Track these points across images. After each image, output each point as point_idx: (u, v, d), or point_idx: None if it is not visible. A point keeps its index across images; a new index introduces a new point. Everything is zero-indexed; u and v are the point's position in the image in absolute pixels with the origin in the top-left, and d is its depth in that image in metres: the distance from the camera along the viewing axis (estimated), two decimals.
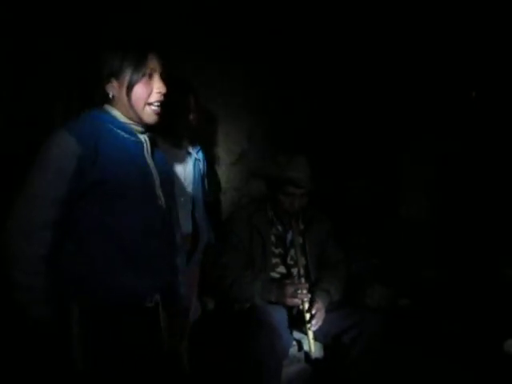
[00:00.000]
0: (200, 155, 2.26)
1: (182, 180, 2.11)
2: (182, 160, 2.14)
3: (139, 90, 1.32)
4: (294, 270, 2.29)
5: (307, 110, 3.22)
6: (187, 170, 2.17)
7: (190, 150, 2.19)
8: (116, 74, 1.31)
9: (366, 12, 3.15)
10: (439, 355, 2.47)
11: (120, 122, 1.35)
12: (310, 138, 3.15)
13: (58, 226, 1.25)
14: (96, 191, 1.28)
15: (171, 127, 2.04)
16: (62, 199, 1.24)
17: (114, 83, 1.32)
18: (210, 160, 2.44)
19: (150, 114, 1.35)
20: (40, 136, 1.31)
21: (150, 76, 1.33)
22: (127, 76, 1.30)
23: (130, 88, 1.31)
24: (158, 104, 1.36)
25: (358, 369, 2.06)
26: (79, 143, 1.24)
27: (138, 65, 1.31)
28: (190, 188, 2.16)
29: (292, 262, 2.32)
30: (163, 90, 1.35)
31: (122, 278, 1.31)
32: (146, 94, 1.33)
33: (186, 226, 2.01)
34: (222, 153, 2.88)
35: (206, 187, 2.32)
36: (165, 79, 1.37)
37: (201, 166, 2.27)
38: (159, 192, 1.39)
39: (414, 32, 3.20)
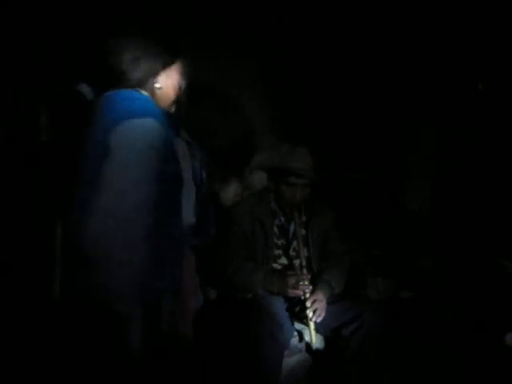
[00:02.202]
0: (199, 146, 2.25)
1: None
2: (183, 150, 2.13)
3: (180, 85, 1.44)
4: (296, 262, 2.29)
5: (310, 102, 3.21)
6: (189, 160, 2.15)
7: (190, 140, 2.18)
8: (165, 68, 1.38)
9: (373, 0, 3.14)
10: (441, 348, 2.48)
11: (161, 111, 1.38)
12: (313, 129, 3.14)
13: None
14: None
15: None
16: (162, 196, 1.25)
17: (163, 74, 1.38)
18: (211, 151, 2.42)
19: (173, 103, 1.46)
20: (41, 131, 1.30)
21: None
22: (177, 68, 1.41)
23: (179, 78, 1.42)
24: None
25: (358, 361, 2.07)
26: (167, 133, 1.27)
27: (181, 62, 1.42)
28: (191, 179, 2.15)
29: (294, 254, 2.32)
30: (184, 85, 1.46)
31: (160, 280, 1.31)
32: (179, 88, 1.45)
33: (189, 216, 2.00)
34: (224, 144, 2.87)
35: (204, 178, 2.31)
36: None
37: (200, 156, 2.26)
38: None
39: (418, 23, 3.18)
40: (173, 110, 1.46)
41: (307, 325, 2.13)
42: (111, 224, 1.10)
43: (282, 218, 2.34)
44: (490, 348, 2.36)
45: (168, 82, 1.39)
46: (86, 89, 1.37)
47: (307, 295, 2.14)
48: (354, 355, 2.07)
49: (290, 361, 2.13)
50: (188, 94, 2.04)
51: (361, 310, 2.13)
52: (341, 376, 2.08)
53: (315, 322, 2.12)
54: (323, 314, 2.12)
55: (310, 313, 2.11)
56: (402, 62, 3.32)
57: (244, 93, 2.92)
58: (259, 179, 2.82)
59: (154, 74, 1.35)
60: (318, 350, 2.19)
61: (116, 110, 1.22)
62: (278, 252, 2.31)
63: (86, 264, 1.13)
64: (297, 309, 2.23)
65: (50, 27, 2.05)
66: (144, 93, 1.35)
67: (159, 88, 1.37)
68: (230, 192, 2.89)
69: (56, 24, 2.06)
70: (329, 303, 2.18)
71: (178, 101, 1.45)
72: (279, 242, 2.32)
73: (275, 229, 2.32)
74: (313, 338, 2.11)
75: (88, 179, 1.19)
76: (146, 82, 1.34)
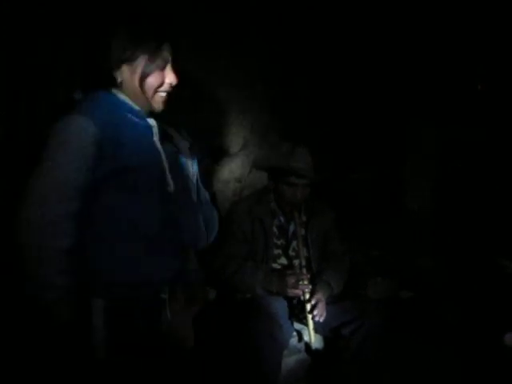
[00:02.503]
0: (200, 146, 2.24)
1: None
2: (185, 151, 2.12)
3: (151, 80, 1.30)
4: (296, 262, 2.28)
5: (310, 102, 3.21)
6: (192, 160, 2.13)
7: (191, 141, 2.17)
8: (128, 61, 1.29)
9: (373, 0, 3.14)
10: (441, 348, 2.48)
11: (131, 107, 1.34)
12: (313, 129, 3.14)
13: (80, 216, 1.20)
14: (117, 178, 1.25)
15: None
16: (85, 186, 1.20)
17: (125, 69, 1.30)
18: (212, 151, 2.44)
19: (158, 101, 1.35)
20: (41, 124, 1.30)
21: (163, 67, 1.32)
22: (141, 65, 1.29)
23: (143, 78, 1.29)
24: (166, 93, 1.35)
25: (358, 361, 2.06)
26: (98, 128, 1.21)
27: (153, 56, 1.29)
28: (195, 179, 2.13)
29: (294, 254, 2.32)
30: (174, 81, 1.34)
31: (141, 269, 1.30)
32: (158, 84, 1.32)
33: (191, 217, 1.99)
34: (224, 143, 2.87)
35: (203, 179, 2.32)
36: (176, 69, 1.36)
37: (202, 156, 2.26)
38: (169, 178, 1.38)
39: (419, 23, 3.18)
40: (157, 108, 1.36)
41: (306, 325, 2.13)
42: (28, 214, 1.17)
43: (282, 218, 2.34)
44: (490, 348, 2.36)
45: (129, 77, 1.31)
46: (79, 94, 1.35)
47: (307, 295, 2.13)
48: (354, 355, 2.06)
49: (289, 361, 2.13)
50: (188, 95, 2.06)
51: (361, 310, 2.13)
52: (340, 376, 2.08)
53: (315, 322, 2.12)
54: (324, 314, 2.12)
55: (309, 313, 2.11)
56: (402, 62, 3.33)
57: (244, 93, 2.92)
58: (259, 179, 2.82)
59: (114, 67, 1.30)
60: (317, 350, 2.19)
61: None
62: (277, 252, 2.31)
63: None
64: (296, 309, 2.23)
65: (50, 27, 2.05)
66: (114, 91, 1.32)
67: (122, 83, 1.32)
68: (230, 192, 2.89)
69: (56, 24, 2.06)
70: (328, 303, 2.17)
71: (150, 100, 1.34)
72: (279, 242, 2.32)
73: (275, 229, 2.32)
74: (312, 337, 2.11)
75: None
76: (112, 76, 1.30)
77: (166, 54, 1.32)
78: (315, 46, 3.15)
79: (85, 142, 1.19)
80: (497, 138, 3.17)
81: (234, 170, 2.91)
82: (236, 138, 2.92)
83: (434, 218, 3.36)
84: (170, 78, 1.33)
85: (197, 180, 2.09)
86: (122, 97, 1.33)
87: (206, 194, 2.22)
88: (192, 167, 2.07)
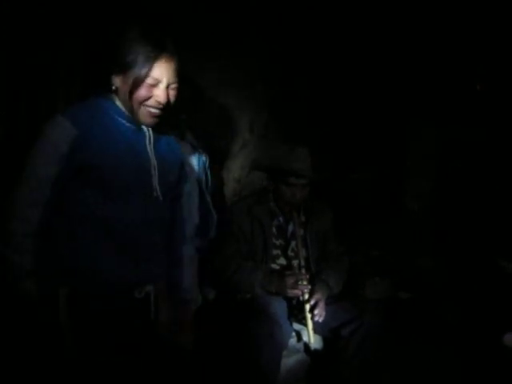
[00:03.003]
0: (202, 147, 2.25)
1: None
2: (187, 153, 2.11)
3: (139, 92, 1.31)
4: (295, 262, 2.29)
5: (310, 102, 3.21)
6: (193, 162, 2.14)
7: (194, 142, 2.18)
8: (122, 70, 1.31)
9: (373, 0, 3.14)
10: (440, 348, 2.48)
11: (122, 112, 1.37)
12: (313, 129, 3.14)
13: (49, 206, 1.29)
14: (87, 175, 1.30)
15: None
16: (53, 180, 1.28)
17: (119, 77, 1.33)
18: (211, 151, 2.43)
19: (145, 114, 1.34)
20: (41, 124, 1.32)
21: (155, 84, 1.31)
22: (132, 76, 1.29)
23: (132, 89, 1.30)
24: (157, 109, 1.35)
25: (357, 361, 2.06)
26: (74, 126, 1.27)
27: (145, 71, 1.29)
28: (195, 181, 2.13)
29: (293, 254, 2.31)
30: (163, 101, 1.33)
31: (109, 266, 1.33)
32: (144, 98, 1.32)
33: (192, 216, 1.99)
34: (224, 144, 2.87)
35: (209, 180, 2.32)
36: (175, 88, 1.37)
37: (203, 158, 2.27)
38: (155, 183, 1.39)
39: (419, 23, 3.18)
40: (144, 122, 1.37)
41: (305, 325, 2.12)
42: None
43: (281, 218, 2.34)
44: (489, 348, 2.36)
45: (123, 87, 1.33)
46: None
47: (306, 295, 2.13)
48: (353, 355, 2.06)
49: (289, 361, 2.13)
50: (188, 95, 2.06)
51: (360, 310, 2.12)
52: (339, 376, 2.08)
53: (314, 322, 2.12)
54: (324, 314, 2.12)
55: (308, 313, 2.11)
56: (402, 62, 3.33)
57: (244, 93, 2.92)
58: (258, 179, 2.82)
59: (110, 73, 1.34)
60: (316, 351, 2.19)
61: None
62: (276, 252, 2.31)
63: None
64: (295, 309, 2.23)
65: (50, 27, 2.05)
66: (111, 96, 1.37)
67: (116, 90, 1.36)
68: (229, 192, 2.89)
69: (56, 24, 2.06)
70: (327, 303, 2.17)
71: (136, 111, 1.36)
72: (278, 242, 2.32)
73: (274, 229, 2.31)
74: (311, 338, 2.11)
75: None
76: (110, 85, 1.35)
77: (161, 71, 1.31)
78: (315, 46, 3.15)
79: (59, 140, 1.27)
80: (497, 137, 3.17)
81: (233, 171, 2.91)
82: (235, 138, 2.92)
83: (434, 218, 3.37)
84: (157, 95, 1.32)
85: (200, 184, 2.10)
86: (117, 102, 1.37)
87: (208, 198, 2.23)
88: (195, 171, 2.09)
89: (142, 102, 1.32)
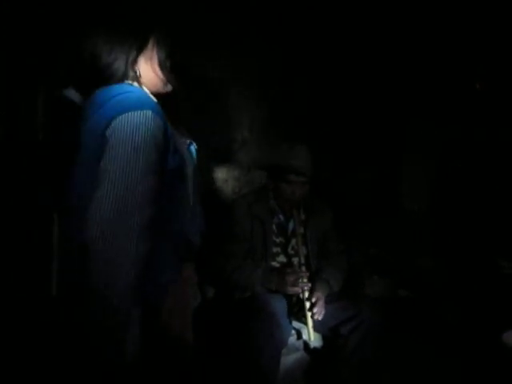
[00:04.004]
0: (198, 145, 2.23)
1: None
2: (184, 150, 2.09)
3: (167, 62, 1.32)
4: (295, 260, 2.29)
5: (308, 100, 3.21)
6: (195, 160, 2.10)
7: (190, 138, 2.13)
8: (141, 49, 1.27)
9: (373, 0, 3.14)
10: (440, 348, 2.48)
11: (153, 100, 1.29)
12: (313, 129, 3.15)
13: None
14: (174, 180, 1.24)
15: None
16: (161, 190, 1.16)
17: (141, 58, 1.28)
18: (211, 149, 2.43)
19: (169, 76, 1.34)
20: (41, 124, 1.29)
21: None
22: (158, 54, 1.29)
23: (162, 64, 1.30)
24: None
25: (357, 359, 2.06)
26: (165, 124, 1.20)
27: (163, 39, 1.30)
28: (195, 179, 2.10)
29: (293, 252, 2.32)
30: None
31: (161, 278, 1.25)
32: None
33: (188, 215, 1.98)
34: (223, 142, 2.88)
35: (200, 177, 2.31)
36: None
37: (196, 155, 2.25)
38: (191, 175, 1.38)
39: (418, 23, 3.18)
40: (167, 90, 1.36)
41: (305, 323, 2.13)
42: (112, 219, 1.07)
43: (281, 216, 2.35)
44: (489, 348, 2.36)
45: (147, 67, 1.30)
46: (72, 93, 1.33)
47: (306, 293, 2.14)
48: (353, 353, 2.06)
49: (288, 359, 2.13)
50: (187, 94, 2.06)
51: (359, 308, 2.13)
52: (339, 375, 2.08)
53: (314, 321, 2.12)
54: (323, 312, 2.12)
55: (308, 311, 2.11)
56: (402, 62, 3.33)
57: (244, 92, 2.92)
58: (258, 177, 2.83)
59: (133, 61, 1.27)
60: (315, 349, 2.19)
61: (110, 106, 1.17)
62: (276, 250, 2.32)
63: (84, 262, 1.08)
64: (295, 307, 2.23)
65: (50, 27, 2.06)
66: (135, 84, 1.28)
67: (140, 76, 1.29)
68: (228, 190, 2.89)
69: (56, 24, 2.07)
70: (327, 302, 2.17)
71: (170, 79, 1.34)
72: (278, 240, 2.33)
73: (274, 227, 2.32)
74: (311, 335, 2.11)
75: (86, 177, 1.16)
76: (128, 72, 1.27)
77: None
78: (315, 46, 3.15)
79: (160, 143, 1.17)
80: (497, 138, 3.16)
81: (232, 169, 2.91)
82: (235, 136, 2.92)
83: (434, 218, 3.36)
84: (165, 60, 1.33)
85: (194, 178, 2.10)
86: (145, 89, 1.31)
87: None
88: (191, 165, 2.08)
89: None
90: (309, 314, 2.12)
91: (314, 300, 2.13)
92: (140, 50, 1.27)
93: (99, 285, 1.06)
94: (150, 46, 1.28)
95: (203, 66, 2.65)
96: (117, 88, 1.22)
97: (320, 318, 2.11)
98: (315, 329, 2.15)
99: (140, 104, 1.15)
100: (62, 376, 1.29)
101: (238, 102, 2.91)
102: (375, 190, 3.43)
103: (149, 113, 1.14)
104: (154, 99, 1.29)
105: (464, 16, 3.07)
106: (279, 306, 2.17)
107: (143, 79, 1.30)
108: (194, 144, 2.08)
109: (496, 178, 3.13)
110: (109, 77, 1.25)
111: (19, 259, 1.89)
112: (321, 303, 2.13)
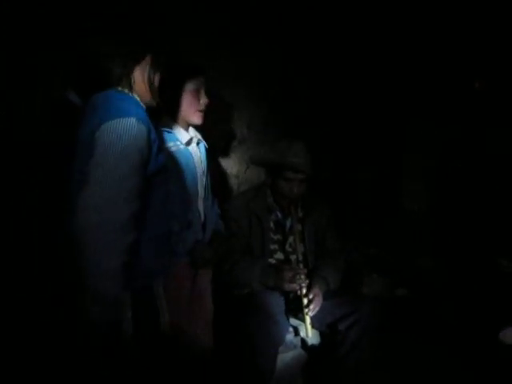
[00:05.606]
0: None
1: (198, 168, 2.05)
2: (195, 147, 2.07)
3: (157, 78, 1.46)
4: (293, 257, 2.30)
5: (308, 100, 3.22)
6: (202, 157, 2.08)
7: (199, 136, 2.12)
8: (138, 61, 1.38)
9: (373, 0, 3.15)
10: (435, 345, 2.48)
11: (142, 106, 1.41)
12: (313, 129, 3.15)
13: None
14: (157, 178, 1.35)
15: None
16: (143, 189, 1.28)
17: (137, 69, 1.39)
18: (209, 147, 2.43)
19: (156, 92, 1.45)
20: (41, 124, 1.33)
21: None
22: (149, 70, 1.41)
23: (151, 80, 1.41)
24: None
25: (354, 356, 2.07)
26: (148, 130, 1.29)
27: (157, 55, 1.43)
28: (204, 176, 2.08)
29: (290, 249, 2.33)
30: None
31: (147, 265, 1.36)
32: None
33: (197, 213, 1.98)
34: (222, 140, 2.88)
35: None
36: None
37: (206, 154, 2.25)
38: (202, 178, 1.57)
39: (418, 23, 3.19)
40: (152, 104, 1.46)
41: (303, 320, 2.13)
42: (95, 219, 1.17)
43: (279, 214, 2.35)
44: (489, 347, 2.36)
45: (141, 78, 1.40)
46: (73, 95, 1.40)
47: (303, 290, 2.14)
48: (350, 350, 2.07)
49: (285, 356, 2.14)
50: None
51: (357, 305, 2.13)
52: (336, 371, 2.09)
53: (311, 318, 2.13)
54: (317, 308, 2.12)
55: (305, 307, 2.12)
56: (402, 62, 3.33)
57: (243, 92, 2.93)
58: (256, 175, 2.84)
59: (129, 70, 1.37)
60: (313, 346, 2.19)
61: (101, 111, 1.27)
62: (274, 247, 2.32)
63: (74, 252, 1.19)
64: (292, 304, 2.24)
65: (50, 27, 2.07)
66: (126, 91, 1.38)
67: (135, 82, 1.39)
68: (227, 187, 2.90)
69: (56, 24, 2.09)
70: (325, 299, 2.18)
71: (155, 95, 1.45)
72: (275, 238, 2.33)
73: (272, 224, 2.33)
74: (308, 332, 2.12)
75: (76, 179, 1.26)
76: (124, 79, 1.37)
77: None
78: (315, 46, 3.16)
79: (143, 147, 1.28)
80: (497, 138, 3.16)
81: (231, 166, 2.91)
82: (233, 134, 2.93)
83: (434, 218, 3.36)
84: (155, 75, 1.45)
85: (206, 175, 2.10)
86: (136, 97, 1.41)
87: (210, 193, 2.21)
88: (202, 163, 2.08)
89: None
90: (306, 311, 2.12)
91: (311, 297, 2.13)
92: (137, 61, 1.38)
93: (89, 271, 1.17)
94: (146, 59, 1.40)
95: (209, 65, 2.65)
96: (110, 94, 1.33)
97: (311, 314, 2.11)
98: (313, 325, 2.15)
99: (126, 112, 1.26)
100: (61, 367, 1.33)
101: (238, 102, 2.92)
102: (375, 190, 3.43)
103: (133, 120, 1.24)
104: (144, 106, 1.40)
105: (464, 16, 3.07)
106: (277, 303, 2.18)
107: (136, 87, 1.40)
108: (204, 143, 2.10)
109: (496, 178, 3.12)
110: (106, 81, 1.35)
111: (19, 259, 1.90)
112: (317, 300, 2.13)
